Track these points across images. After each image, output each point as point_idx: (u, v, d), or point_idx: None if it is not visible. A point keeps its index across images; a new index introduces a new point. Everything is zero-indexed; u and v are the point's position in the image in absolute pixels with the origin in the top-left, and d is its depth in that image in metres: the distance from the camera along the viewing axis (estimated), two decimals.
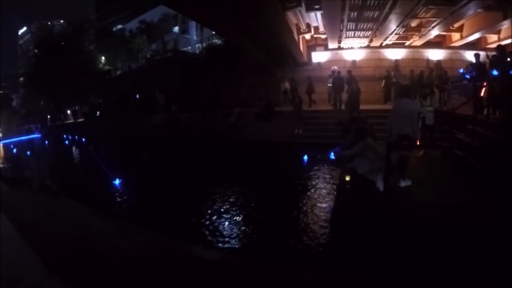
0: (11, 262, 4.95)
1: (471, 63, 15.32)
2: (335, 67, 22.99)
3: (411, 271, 4.61)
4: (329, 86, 21.33)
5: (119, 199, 11.06)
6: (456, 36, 24.08)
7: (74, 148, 30.06)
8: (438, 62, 21.55)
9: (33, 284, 4.25)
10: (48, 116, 55.16)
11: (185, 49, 50.98)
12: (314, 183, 10.39)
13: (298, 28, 25.45)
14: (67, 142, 34.66)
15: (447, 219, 5.75)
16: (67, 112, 53.12)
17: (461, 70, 15.79)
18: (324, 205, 8.29)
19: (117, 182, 12.70)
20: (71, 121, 50.18)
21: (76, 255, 5.00)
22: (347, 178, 8.25)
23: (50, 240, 5.71)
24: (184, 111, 27.16)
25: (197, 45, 53.18)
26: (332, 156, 8.92)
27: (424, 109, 10.59)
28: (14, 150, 33.19)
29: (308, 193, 9.50)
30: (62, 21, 74.58)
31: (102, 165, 15.15)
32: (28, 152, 28.83)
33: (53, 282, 4.21)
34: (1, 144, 39.48)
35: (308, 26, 25.78)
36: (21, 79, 76.45)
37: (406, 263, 4.90)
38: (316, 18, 24.03)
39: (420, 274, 4.47)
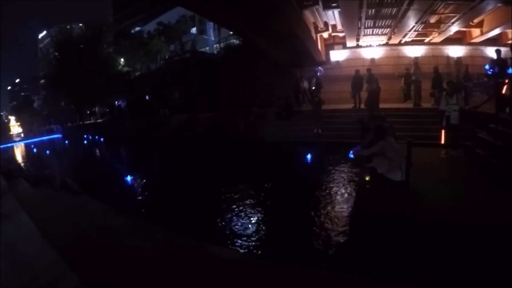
0: (31, 258, 5.09)
1: (492, 60, 15.05)
2: (320, 67, 23.54)
3: (426, 275, 4.56)
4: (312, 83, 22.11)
5: (138, 198, 11.27)
6: (476, 32, 23.65)
7: (94, 148, 30.51)
8: (459, 59, 21.25)
9: (52, 280, 4.36)
10: (69, 117, 56.02)
11: (203, 49, 51.22)
12: (333, 182, 10.38)
13: (316, 27, 25.42)
14: (87, 142, 35.32)
15: (468, 221, 5.63)
16: (87, 113, 53.83)
17: (487, 67, 15.41)
18: (342, 205, 8.28)
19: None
20: (91, 121, 50.91)
21: (94, 253, 5.16)
22: (367, 178, 8.18)
23: (69, 237, 5.88)
24: (202, 111, 27.26)
25: (215, 46, 53.45)
26: (351, 155, 8.83)
27: (449, 107, 10.36)
28: (35, 150, 33.94)
29: (327, 192, 9.48)
30: (81, 24, 75.57)
31: (122, 165, 15.36)
32: (49, 152, 29.34)
33: (72, 278, 4.32)
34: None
35: (326, 24, 25.77)
36: (42, 81, 78.02)
37: (422, 266, 4.84)
38: (333, 16, 24.02)
39: (436, 278, 4.43)
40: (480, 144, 9.78)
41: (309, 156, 14.09)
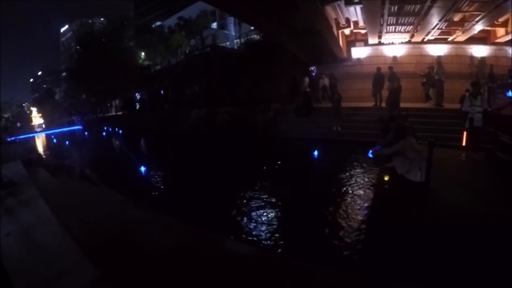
0: (48, 246, 5.22)
1: None
2: (314, 67, 23.69)
3: (441, 279, 4.50)
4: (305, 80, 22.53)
5: (153, 190, 11.40)
6: (501, 31, 23.14)
7: (112, 139, 31.07)
8: (483, 59, 20.85)
9: (68, 267, 4.48)
10: (89, 109, 56.92)
11: (223, 44, 51.15)
12: (350, 181, 10.28)
13: (337, 23, 25.18)
14: (106, 133, 35.97)
15: (488, 226, 5.52)
16: (107, 105, 54.51)
17: None
18: (360, 205, 8.21)
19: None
20: (111, 114, 51.57)
21: (110, 242, 5.31)
22: (386, 178, 8.09)
23: (85, 226, 6.08)
24: (222, 106, 27.37)
25: (235, 41, 53.35)
26: (370, 154, 8.74)
27: (473, 109, 10.08)
28: (55, 140, 34.57)
29: (344, 191, 9.42)
30: (102, 18, 76.33)
31: (138, 157, 15.54)
32: (70, 143, 29.85)
33: (87, 266, 4.43)
34: None
35: (348, 21, 25.48)
36: (64, 74, 79.18)
37: (438, 270, 4.78)
38: (355, 13, 23.74)
39: (454, 283, 4.38)
40: (502, 147, 9.58)
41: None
